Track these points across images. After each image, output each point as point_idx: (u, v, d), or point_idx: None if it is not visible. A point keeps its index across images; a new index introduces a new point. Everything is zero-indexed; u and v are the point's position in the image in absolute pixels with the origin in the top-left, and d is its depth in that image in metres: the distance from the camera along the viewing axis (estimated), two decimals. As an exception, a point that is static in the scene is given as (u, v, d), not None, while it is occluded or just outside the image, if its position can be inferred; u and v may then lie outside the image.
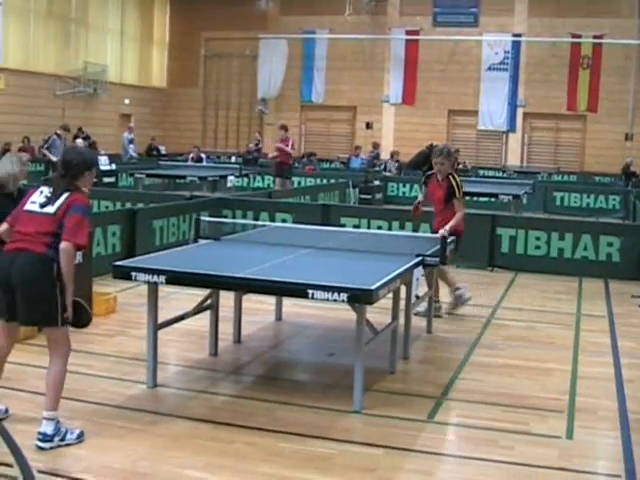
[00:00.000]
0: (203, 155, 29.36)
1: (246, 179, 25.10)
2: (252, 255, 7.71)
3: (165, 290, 7.08)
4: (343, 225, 14.22)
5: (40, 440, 5.58)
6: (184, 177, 21.55)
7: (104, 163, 21.29)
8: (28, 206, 5.78)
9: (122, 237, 12.58)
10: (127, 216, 12.89)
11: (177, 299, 9.84)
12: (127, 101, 37.03)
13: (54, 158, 19.51)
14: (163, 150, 34.60)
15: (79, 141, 21.76)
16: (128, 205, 14.93)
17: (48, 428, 5.61)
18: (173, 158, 31.08)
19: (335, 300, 6.03)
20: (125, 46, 37.26)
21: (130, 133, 30.32)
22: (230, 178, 21.57)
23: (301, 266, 7.33)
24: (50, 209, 5.66)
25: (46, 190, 5.78)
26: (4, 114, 29.87)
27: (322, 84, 37.38)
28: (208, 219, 9.77)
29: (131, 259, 7.22)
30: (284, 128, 22.56)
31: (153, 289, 6.88)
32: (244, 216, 15.05)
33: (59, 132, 20.53)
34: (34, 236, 5.62)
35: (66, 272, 5.59)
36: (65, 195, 5.70)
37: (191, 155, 28.96)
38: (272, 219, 14.71)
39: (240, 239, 9.08)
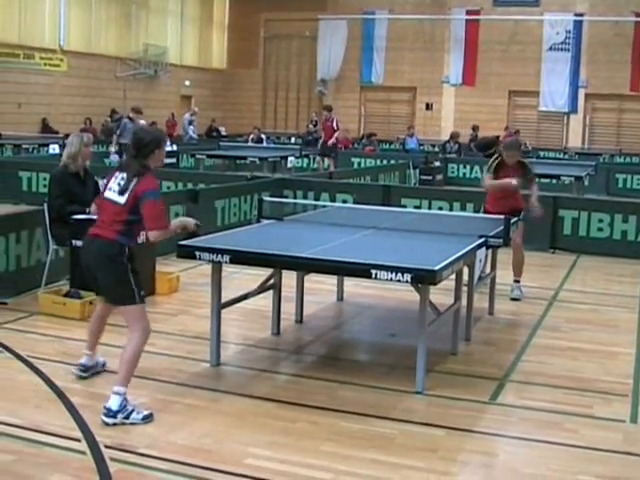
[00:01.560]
0: (263, 136, 29.43)
1: (306, 160, 25.14)
2: (314, 235, 7.73)
3: (227, 270, 7.13)
4: (404, 206, 14.17)
5: (104, 415, 5.67)
6: (245, 158, 21.67)
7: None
8: (106, 193, 6.03)
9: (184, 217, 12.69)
10: (189, 196, 12.98)
11: (239, 278, 9.90)
12: (187, 83, 37.28)
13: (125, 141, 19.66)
14: (223, 131, 34.77)
15: (142, 122, 21.93)
16: (190, 186, 15.07)
17: (114, 403, 5.68)
18: (233, 139, 31.23)
19: (399, 280, 6.01)
20: (185, 28, 37.45)
21: (192, 115, 30.47)
22: (290, 159, 21.63)
23: (363, 246, 7.32)
24: (121, 199, 5.88)
25: (120, 176, 5.99)
26: (67, 96, 30.30)
27: (382, 65, 37.22)
28: (270, 199, 9.82)
29: (195, 239, 7.28)
30: (327, 108, 24.33)
31: (217, 268, 6.92)
32: (305, 197, 15.08)
33: (131, 115, 20.64)
34: (108, 223, 5.91)
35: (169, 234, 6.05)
36: (134, 180, 5.88)
37: (251, 136, 29.07)
38: (333, 200, 14.73)
39: (302, 219, 9.11)
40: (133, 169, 5.95)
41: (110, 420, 5.65)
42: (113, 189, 5.97)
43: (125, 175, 5.96)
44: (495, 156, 10.20)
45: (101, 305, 6.44)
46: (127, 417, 5.69)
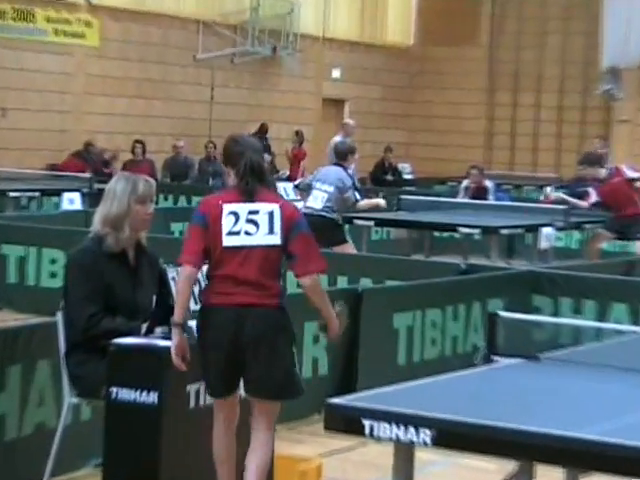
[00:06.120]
0: (489, 183, 29.39)
1: (578, 234, 24.96)
2: (604, 395, 7.72)
3: (421, 457, 7.12)
4: None
5: None
6: (452, 227, 21.80)
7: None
8: (230, 240, 7.22)
9: (332, 345, 12.72)
10: (347, 302, 12.86)
11: (441, 475, 9.91)
12: (337, 73, 37.70)
13: None
14: (407, 171, 34.95)
15: (266, 156, 22.55)
16: (343, 281, 15.45)
17: None
18: (427, 186, 31.30)
19: None
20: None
21: (346, 136, 30.72)
22: (546, 232, 21.60)
23: None
24: (274, 238, 7.24)
25: (246, 208, 7.22)
26: (100, 96, 31.14)
27: None
28: (510, 315, 9.79)
29: (358, 394, 7.31)
30: (592, 161, 24.91)
31: (406, 454, 6.92)
32: (576, 309, 15.10)
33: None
34: (261, 283, 7.54)
35: (328, 312, 7.65)
36: (277, 209, 7.20)
37: (465, 183, 29.06)
38: (636, 316, 14.61)
39: (578, 359, 9.04)
40: (270, 193, 7.37)
41: None
42: (244, 229, 7.19)
43: (261, 206, 7.20)
44: None
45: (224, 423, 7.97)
46: None
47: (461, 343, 14.16)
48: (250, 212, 7.18)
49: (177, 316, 7.98)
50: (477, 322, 14.01)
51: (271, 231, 7.17)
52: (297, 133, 33.29)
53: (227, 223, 7.18)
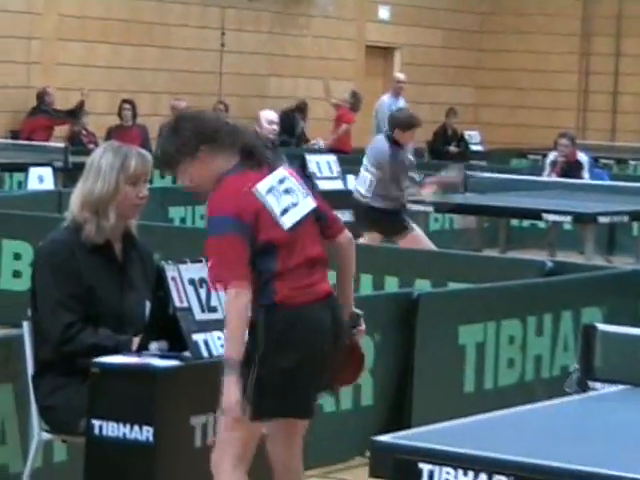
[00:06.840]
0: (583, 156, 29.40)
1: None
2: None
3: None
4: None
5: None
6: (536, 214, 21.72)
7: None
8: (289, 218, 7.57)
9: (380, 368, 12.76)
10: (398, 310, 13.26)
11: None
12: (385, 13, 37.83)
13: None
14: (475, 140, 35.04)
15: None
16: (392, 282, 15.46)
17: None
18: (504, 160, 31.46)
19: None
20: None
21: (397, 97, 30.82)
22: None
23: None
24: (310, 201, 7.71)
25: (273, 181, 7.61)
26: (72, 41, 31.21)
27: None
28: (613, 329, 9.78)
29: (413, 431, 7.28)
30: None
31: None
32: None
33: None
34: (326, 257, 7.65)
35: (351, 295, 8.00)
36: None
37: (552, 157, 29.11)
38: None
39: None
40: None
41: None
42: (291, 202, 7.59)
43: (282, 172, 7.69)
44: None
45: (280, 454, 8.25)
46: None
47: (547, 365, 14.19)
48: (280, 181, 7.52)
49: (236, 352, 7.74)
50: (568, 337, 14.08)
51: (305, 194, 7.62)
52: (354, 95, 33.22)
53: (273, 203, 7.44)
